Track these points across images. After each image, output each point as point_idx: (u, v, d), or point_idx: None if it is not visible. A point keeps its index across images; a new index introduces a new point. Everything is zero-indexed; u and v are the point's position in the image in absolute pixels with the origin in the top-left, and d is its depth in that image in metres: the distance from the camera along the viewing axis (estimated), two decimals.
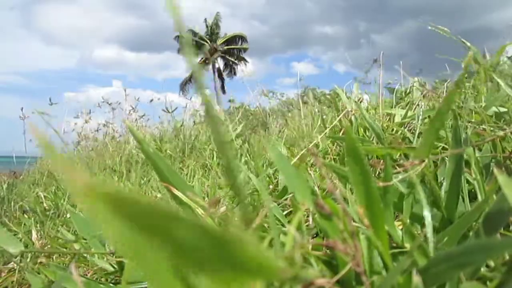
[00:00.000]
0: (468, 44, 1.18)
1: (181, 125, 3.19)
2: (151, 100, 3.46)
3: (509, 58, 1.39)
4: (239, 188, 0.24)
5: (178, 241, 0.16)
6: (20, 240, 0.66)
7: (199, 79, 0.21)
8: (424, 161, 0.44)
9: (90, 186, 0.14)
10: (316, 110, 2.10)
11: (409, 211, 0.46)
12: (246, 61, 28.67)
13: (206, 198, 1.16)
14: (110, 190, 0.15)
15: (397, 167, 0.55)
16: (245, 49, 28.51)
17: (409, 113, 1.26)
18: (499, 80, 1.01)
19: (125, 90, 3.62)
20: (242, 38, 28.22)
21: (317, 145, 1.20)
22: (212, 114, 0.22)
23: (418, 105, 1.28)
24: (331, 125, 1.29)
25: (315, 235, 0.54)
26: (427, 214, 0.39)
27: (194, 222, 0.16)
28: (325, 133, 1.22)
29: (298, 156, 0.96)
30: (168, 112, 3.09)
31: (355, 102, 1.39)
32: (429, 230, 0.37)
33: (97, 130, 3.55)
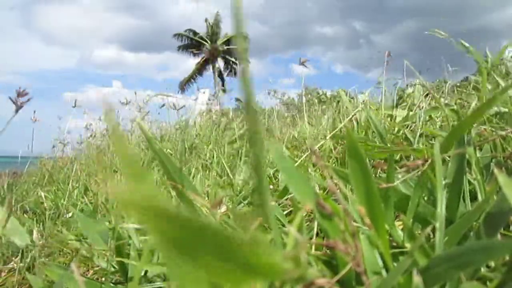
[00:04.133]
0: (467, 45, 1.18)
1: (184, 124, 3.18)
2: (163, 105, 3.43)
3: None
4: (263, 183, 0.24)
5: (202, 247, 0.17)
6: (29, 237, 0.66)
7: (245, 75, 0.21)
8: (427, 161, 0.44)
9: (129, 198, 0.15)
10: (320, 110, 2.10)
11: (413, 211, 0.46)
12: (248, 61, 28.58)
13: (206, 198, 1.16)
14: (147, 202, 0.15)
15: (397, 168, 0.55)
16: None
17: (410, 114, 1.26)
18: (499, 80, 1.01)
19: (135, 93, 3.63)
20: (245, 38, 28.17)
21: (320, 147, 1.21)
22: (252, 110, 0.22)
23: (419, 106, 1.28)
24: (337, 129, 1.30)
25: (315, 235, 0.54)
26: (440, 211, 0.39)
27: (205, 224, 0.16)
28: (327, 133, 1.22)
29: (302, 158, 0.96)
30: (176, 109, 3.08)
31: (362, 103, 1.39)
32: (439, 228, 0.37)
33: (103, 135, 3.51)
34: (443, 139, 0.49)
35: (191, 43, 27.46)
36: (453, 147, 0.51)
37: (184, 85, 27.19)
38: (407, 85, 1.83)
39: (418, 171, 0.46)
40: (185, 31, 26.75)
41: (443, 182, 0.49)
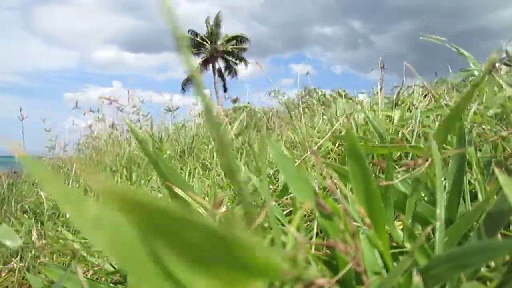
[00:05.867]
0: (462, 50, 1.17)
1: (182, 125, 3.18)
2: (174, 109, 3.39)
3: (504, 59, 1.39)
4: (240, 186, 0.24)
5: (188, 242, 0.16)
6: (21, 239, 0.66)
7: (197, 80, 0.21)
8: (427, 160, 0.44)
9: (108, 189, 0.15)
10: (319, 110, 2.10)
11: (412, 210, 0.46)
12: (247, 61, 28.68)
13: (206, 198, 1.16)
14: (125, 192, 0.15)
15: (397, 167, 0.55)
16: (244, 49, 28.52)
17: (408, 114, 1.27)
18: (500, 81, 1.01)
19: (128, 92, 3.60)
20: (243, 39, 28.24)
21: (318, 146, 1.20)
22: (212, 115, 0.22)
23: (417, 107, 1.28)
24: (334, 128, 1.30)
25: (315, 235, 0.54)
26: (439, 210, 0.38)
27: (204, 224, 0.16)
28: (327, 134, 1.22)
29: (302, 158, 0.96)
30: (170, 111, 3.08)
31: (359, 103, 1.39)
32: (439, 229, 0.37)
33: (109, 136, 3.46)
34: (436, 130, 0.49)
35: (192, 43, 27.49)
36: (454, 147, 0.51)
37: (185, 85, 27.22)
38: (403, 85, 1.83)
39: (417, 170, 0.46)
40: (187, 31, 26.81)
41: (443, 182, 0.49)
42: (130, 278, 0.43)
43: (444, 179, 0.51)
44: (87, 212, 0.15)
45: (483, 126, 0.75)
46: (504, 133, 0.57)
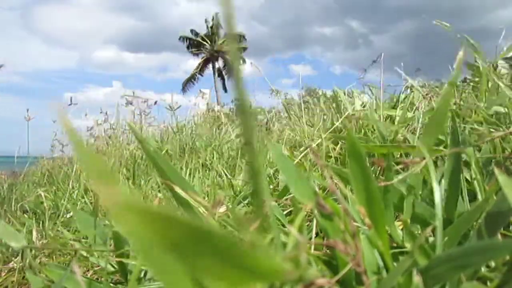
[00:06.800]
0: (472, 41, 1.17)
1: (183, 125, 3.17)
2: (155, 102, 3.40)
3: (505, 59, 1.39)
4: (259, 184, 0.24)
5: (196, 250, 0.16)
6: (24, 239, 0.66)
7: (238, 76, 0.21)
8: (424, 159, 0.44)
9: (123, 202, 0.15)
10: (318, 110, 2.10)
11: (410, 211, 0.46)
12: (244, 60, 28.78)
13: (206, 198, 1.16)
14: (142, 206, 0.15)
15: (396, 165, 0.55)
16: (244, 48, 28.58)
17: (409, 115, 1.27)
18: (498, 82, 1.01)
19: (133, 93, 3.57)
20: (241, 38, 28.33)
21: (318, 146, 1.21)
22: (246, 112, 0.22)
23: (417, 107, 1.29)
24: (333, 126, 1.30)
25: (315, 235, 0.54)
26: (437, 207, 0.38)
27: (212, 232, 0.16)
28: (327, 134, 1.22)
29: (300, 156, 0.96)
30: (171, 109, 3.06)
31: (361, 103, 1.39)
32: (439, 228, 0.37)
33: (109, 134, 3.43)
34: (424, 131, 0.49)
35: (193, 43, 27.55)
36: (449, 146, 0.51)
37: (186, 85, 27.27)
38: (404, 85, 1.83)
39: (413, 170, 0.46)
40: (190, 31, 26.90)
41: (440, 181, 0.49)
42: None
43: (442, 178, 0.51)
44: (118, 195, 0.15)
45: (482, 127, 0.75)
46: (501, 133, 0.57)
